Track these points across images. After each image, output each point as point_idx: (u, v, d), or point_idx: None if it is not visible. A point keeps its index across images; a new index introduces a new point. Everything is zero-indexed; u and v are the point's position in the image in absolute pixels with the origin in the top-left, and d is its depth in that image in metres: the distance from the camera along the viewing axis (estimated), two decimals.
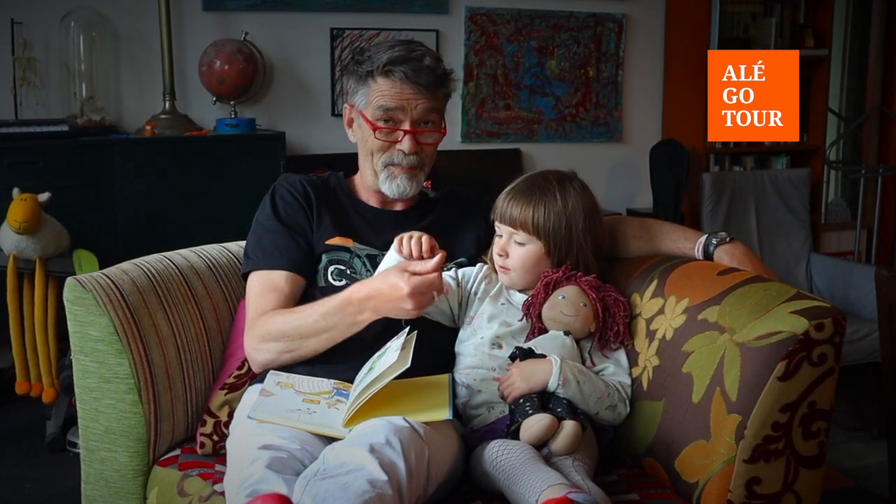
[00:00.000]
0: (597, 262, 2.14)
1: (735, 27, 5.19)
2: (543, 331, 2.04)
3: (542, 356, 1.96)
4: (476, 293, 2.14)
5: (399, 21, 4.69)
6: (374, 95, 2.17)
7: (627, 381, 2.04)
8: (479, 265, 2.20)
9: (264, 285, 2.15)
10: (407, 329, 1.94)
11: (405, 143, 2.18)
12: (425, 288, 1.91)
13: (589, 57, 5.14)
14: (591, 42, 5.12)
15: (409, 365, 1.82)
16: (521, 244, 2.09)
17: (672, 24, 5.22)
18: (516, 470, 1.74)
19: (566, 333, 2.02)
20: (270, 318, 2.08)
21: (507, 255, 2.11)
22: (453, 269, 2.23)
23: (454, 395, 2.01)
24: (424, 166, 2.24)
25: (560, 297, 2.02)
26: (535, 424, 1.83)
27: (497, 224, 2.14)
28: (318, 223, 2.23)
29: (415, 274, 1.90)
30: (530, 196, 2.09)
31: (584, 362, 2.03)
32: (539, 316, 2.04)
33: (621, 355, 2.07)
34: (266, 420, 1.86)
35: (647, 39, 5.26)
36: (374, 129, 2.17)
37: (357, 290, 1.98)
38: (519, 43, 4.99)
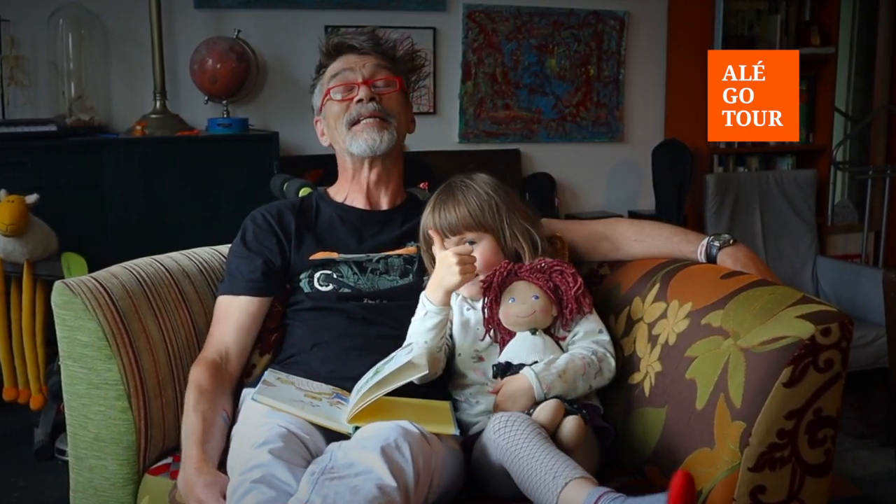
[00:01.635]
0: (537, 232, 2.17)
1: (739, 25, 5.19)
2: (511, 333, 2.05)
3: (520, 366, 1.96)
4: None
5: (395, 18, 4.69)
6: (326, 77, 2.32)
7: (603, 336, 2.06)
8: None
9: (221, 312, 2.23)
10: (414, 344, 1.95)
11: (361, 92, 2.25)
12: None
13: (590, 55, 5.14)
14: (591, 40, 5.13)
15: (426, 371, 1.89)
16: (472, 244, 2.11)
17: (675, 21, 5.23)
18: (526, 450, 1.74)
19: (533, 332, 2.02)
20: (201, 370, 2.10)
21: None
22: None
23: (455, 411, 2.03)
24: (391, 118, 2.28)
25: (510, 301, 2.03)
26: (540, 411, 1.84)
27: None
28: (297, 244, 2.26)
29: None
30: (454, 198, 2.14)
31: (561, 348, 2.04)
32: (501, 326, 2.06)
33: (592, 322, 2.08)
34: (270, 404, 1.86)
35: (650, 37, 5.26)
36: (329, 91, 2.29)
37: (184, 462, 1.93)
38: (518, 41, 5.00)
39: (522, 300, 2.03)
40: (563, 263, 2.09)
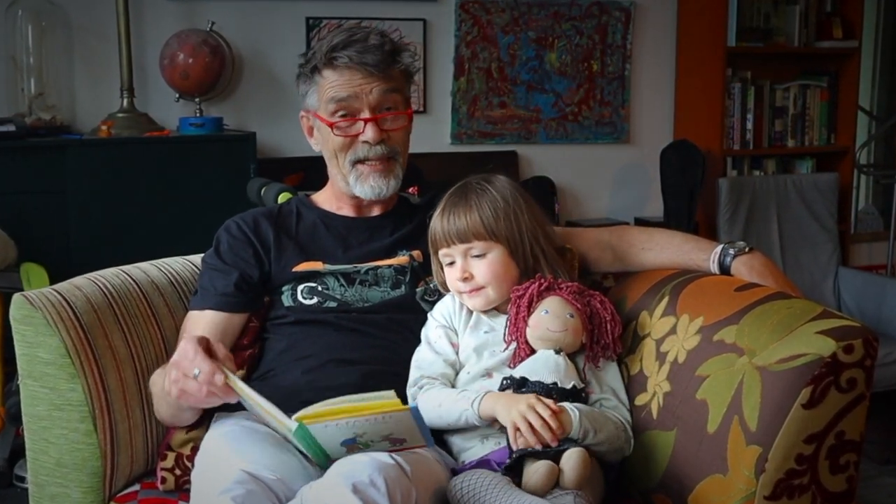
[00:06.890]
0: (557, 254, 2.17)
1: (755, 16, 5.20)
2: (531, 351, 2.04)
3: (537, 384, 1.95)
4: (460, 325, 2.15)
5: (382, 9, 4.70)
6: (324, 91, 2.21)
7: (629, 416, 2.05)
8: (448, 295, 2.20)
9: (188, 326, 2.21)
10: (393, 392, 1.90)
11: (368, 133, 2.20)
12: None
13: (593, 49, 5.15)
14: (595, 33, 5.14)
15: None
16: (480, 256, 2.10)
17: (685, 12, 5.24)
18: (489, 498, 1.75)
19: (557, 352, 2.01)
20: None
21: (471, 277, 2.11)
22: (428, 288, 2.24)
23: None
24: (397, 156, 2.27)
25: (543, 313, 2.01)
26: (534, 474, 1.82)
27: (443, 252, 2.14)
28: (278, 253, 2.25)
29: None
30: (467, 203, 2.11)
31: (580, 378, 2.03)
32: (524, 340, 2.04)
33: (618, 381, 2.08)
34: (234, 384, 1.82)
35: (658, 30, 5.28)
36: (331, 125, 2.20)
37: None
38: (515, 34, 5.01)
39: (557, 314, 2.02)
40: (604, 296, 2.09)
